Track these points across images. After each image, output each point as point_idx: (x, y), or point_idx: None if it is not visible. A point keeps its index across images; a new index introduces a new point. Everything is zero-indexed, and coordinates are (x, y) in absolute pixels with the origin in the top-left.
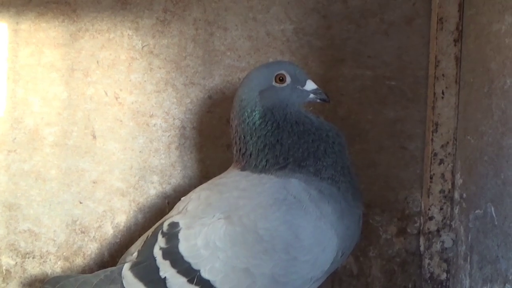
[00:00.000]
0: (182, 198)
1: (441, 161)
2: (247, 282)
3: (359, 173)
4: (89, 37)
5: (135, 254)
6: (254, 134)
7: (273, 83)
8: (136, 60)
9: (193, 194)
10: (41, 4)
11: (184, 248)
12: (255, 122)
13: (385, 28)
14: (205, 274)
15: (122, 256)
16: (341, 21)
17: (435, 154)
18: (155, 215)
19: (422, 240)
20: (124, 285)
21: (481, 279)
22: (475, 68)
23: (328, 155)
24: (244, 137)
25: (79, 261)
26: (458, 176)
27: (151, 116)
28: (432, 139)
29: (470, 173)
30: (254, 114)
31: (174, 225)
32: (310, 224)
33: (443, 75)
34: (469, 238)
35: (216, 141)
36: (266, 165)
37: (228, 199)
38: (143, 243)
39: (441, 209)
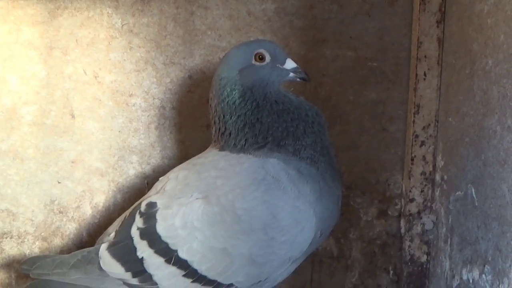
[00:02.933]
0: (160, 178)
1: (423, 143)
2: (225, 262)
3: (340, 155)
4: (68, 15)
5: (113, 234)
6: (234, 113)
7: (253, 61)
8: (115, 38)
9: (171, 174)
10: None
11: (161, 228)
12: (234, 101)
13: (367, 8)
14: (182, 254)
15: (100, 237)
16: (323, 1)
17: (417, 136)
18: (134, 195)
19: (402, 222)
20: (101, 266)
21: (461, 260)
22: (457, 49)
23: (307, 134)
24: (224, 116)
25: (57, 241)
26: (439, 158)
27: (130, 95)
28: (413, 121)
29: (451, 154)
30: (233, 93)
31: (151, 205)
32: (288, 204)
33: (425, 56)
34: (450, 220)
35: (196, 121)
36: (245, 144)
37: (206, 179)
38: (120, 223)
39: (422, 191)
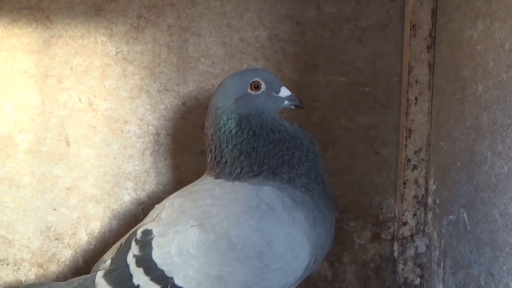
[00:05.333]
0: (155, 206)
1: (415, 167)
2: None
3: (333, 179)
4: (63, 43)
5: (109, 261)
6: (230, 142)
7: (248, 90)
8: (110, 66)
9: (166, 202)
10: (14, 10)
11: (157, 255)
12: (231, 130)
13: (359, 34)
14: (178, 282)
15: (96, 264)
16: (315, 27)
17: (409, 160)
18: (129, 221)
19: (396, 246)
20: None
21: (454, 284)
22: (448, 74)
23: (302, 163)
24: (220, 145)
25: (53, 268)
26: (431, 181)
27: (125, 122)
28: (405, 145)
29: (443, 178)
30: (230, 122)
31: (147, 233)
32: (283, 232)
33: (416, 81)
34: (442, 243)
35: (190, 147)
36: (240, 172)
37: (201, 207)
38: (116, 250)
39: (414, 214)
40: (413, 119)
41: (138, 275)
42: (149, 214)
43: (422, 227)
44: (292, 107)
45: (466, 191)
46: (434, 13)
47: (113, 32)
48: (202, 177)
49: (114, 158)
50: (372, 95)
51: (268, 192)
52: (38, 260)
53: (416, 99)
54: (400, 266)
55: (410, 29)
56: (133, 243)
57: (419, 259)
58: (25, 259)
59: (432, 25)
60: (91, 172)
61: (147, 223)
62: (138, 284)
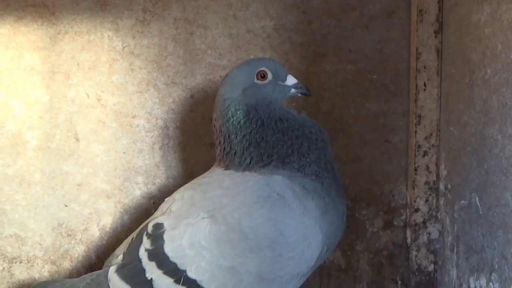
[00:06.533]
0: (166, 199)
1: (425, 153)
2: (234, 280)
3: (343, 168)
4: (69, 39)
5: (121, 256)
6: (239, 132)
7: (255, 80)
8: (117, 61)
9: (176, 195)
10: (19, 8)
11: (169, 248)
12: (239, 121)
13: (365, 22)
14: (191, 274)
15: (108, 259)
16: (321, 16)
17: (419, 146)
18: (141, 215)
19: (408, 232)
20: None
21: (468, 269)
22: (456, 59)
23: (311, 151)
24: (229, 136)
25: (66, 264)
26: (442, 167)
27: (133, 116)
28: (415, 131)
29: (454, 164)
30: (238, 113)
31: (158, 226)
32: (294, 221)
33: (424, 67)
34: (455, 228)
35: (199, 140)
36: (250, 163)
37: (211, 198)
38: (128, 245)
39: (426, 200)
40: (422, 105)
41: (151, 269)
42: (159, 207)
43: (434, 213)
44: (299, 95)
45: (478, 175)
46: None
47: (119, 26)
48: (211, 169)
49: (123, 153)
50: (381, 82)
51: (278, 181)
52: (51, 257)
53: (424, 85)
54: (414, 253)
55: (417, 14)
56: (145, 237)
57: (432, 245)
58: (38, 256)
59: (439, 10)
60: (101, 168)
61: (158, 217)
62: (151, 278)
